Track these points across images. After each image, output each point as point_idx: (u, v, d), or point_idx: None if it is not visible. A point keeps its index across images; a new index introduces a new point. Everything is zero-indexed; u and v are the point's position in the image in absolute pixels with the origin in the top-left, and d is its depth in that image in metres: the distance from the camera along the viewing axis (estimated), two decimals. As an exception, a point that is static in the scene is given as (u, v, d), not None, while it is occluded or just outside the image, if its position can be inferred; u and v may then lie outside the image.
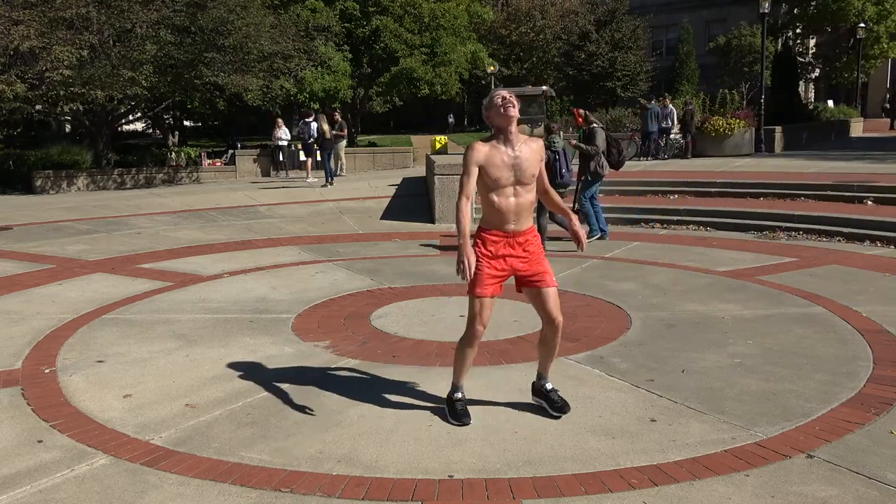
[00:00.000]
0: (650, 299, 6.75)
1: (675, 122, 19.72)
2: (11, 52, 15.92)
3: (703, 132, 19.13)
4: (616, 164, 10.02)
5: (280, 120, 21.83)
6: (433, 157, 15.68)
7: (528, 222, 4.01)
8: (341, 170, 20.19)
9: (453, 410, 4.12)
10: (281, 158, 21.54)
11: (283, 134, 21.49)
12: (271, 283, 7.72)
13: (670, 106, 20.00)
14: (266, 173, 21.66)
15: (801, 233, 10.10)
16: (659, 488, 3.32)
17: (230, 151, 23.15)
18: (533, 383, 4.38)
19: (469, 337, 4.00)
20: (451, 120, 20.12)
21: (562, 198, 9.39)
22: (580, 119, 9.99)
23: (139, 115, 25.03)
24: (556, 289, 4.14)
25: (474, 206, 4.05)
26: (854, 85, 37.10)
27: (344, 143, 20.64)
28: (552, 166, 8.96)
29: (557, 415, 4.13)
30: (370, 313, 6.42)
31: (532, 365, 4.97)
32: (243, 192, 16.40)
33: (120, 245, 10.21)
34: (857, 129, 30.76)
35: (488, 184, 3.87)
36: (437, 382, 4.69)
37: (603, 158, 9.71)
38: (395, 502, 3.27)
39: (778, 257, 8.61)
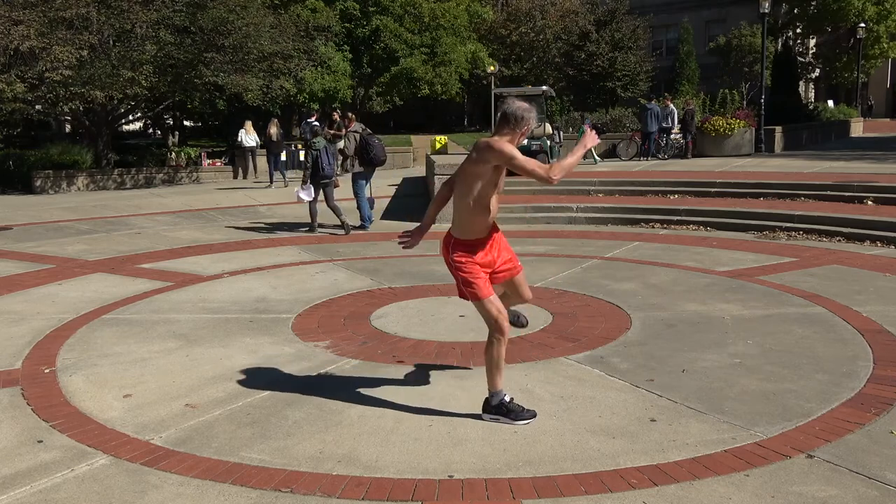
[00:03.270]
0: (650, 299, 6.75)
1: (676, 121, 19.71)
2: (11, 52, 15.92)
3: (703, 132, 19.12)
4: (368, 162, 11.51)
5: (249, 123, 20.44)
6: (433, 157, 15.69)
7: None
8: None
9: (514, 411, 4.10)
10: (249, 164, 20.97)
11: (251, 137, 20.76)
12: (271, 283, 7.73)
13: (671, 106, 19.99)
14: (245, 175, 21.26)
15: (801, 233, 10.10)
16: (659, 488, 3.32)
17: (230, 151, 23.12)
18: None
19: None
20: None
21: (324, 189, 10.99)
22: (351, 122, 11.99)
23: (139, 115, 25.01)
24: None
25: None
26: (854, 85, 37.08)
27: (342, 143, 20.59)
28: (315, 162, 10.90)
29: (525, 324, 4.66)
30: (370, 313, 6.42)
31: (531, 365, 4.99)
32: (243, 192, 16.40)
33: (120, 245, 10.21)
34: (858, 129, 30.76)
35: (494, 185, 3.94)
36: (437, 382, 4.69)
37: (354, 158, 11.56)
38: (395, 502, 3.27)
39: (778, 257, 8.62)
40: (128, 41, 18.02)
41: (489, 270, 4.06)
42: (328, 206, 11.13)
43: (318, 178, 11.00)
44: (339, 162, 11.78)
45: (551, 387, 4.56)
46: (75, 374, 4.97)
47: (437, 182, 12.17)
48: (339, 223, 11.12)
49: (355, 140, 11.53)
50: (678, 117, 19.79)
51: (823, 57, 39.55)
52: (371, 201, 11.92)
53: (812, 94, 44.28)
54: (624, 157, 19.60)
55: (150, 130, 35.55)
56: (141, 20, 17.14)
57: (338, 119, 20.54)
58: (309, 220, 11.42)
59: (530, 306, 6.51)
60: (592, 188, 13.75)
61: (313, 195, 11.12)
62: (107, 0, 17.06)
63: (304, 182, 11.19)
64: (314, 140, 11.12)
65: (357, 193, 11.62)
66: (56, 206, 14.42)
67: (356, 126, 11.89)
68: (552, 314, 6.25)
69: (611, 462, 3.58)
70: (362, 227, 11.53)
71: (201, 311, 6.64)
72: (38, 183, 18.54)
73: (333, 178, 11.13)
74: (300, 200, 11.25)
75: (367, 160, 11.42)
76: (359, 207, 11.67)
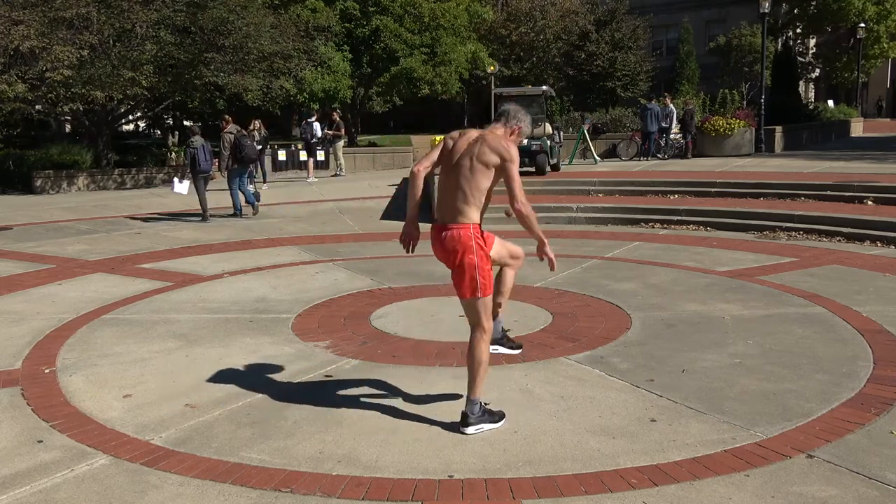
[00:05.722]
0: (650, 299, 6.75)
1: (675, 121, 19.70)
2: (12, 52, 15.91)
3: (703, 132, 19.12)
4: (240, 161, 12.72)
5: (257, 122, 20.84)
6: (433, 157, 15.65)
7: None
8: (341, 170, 20.18)
9: (494, 412, 4.06)
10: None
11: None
12: (271, 283, 7.72)
13: (671, 105, 19.98)
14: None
15: (801, 233, 10.10)
16: (659, 488, 3.32)
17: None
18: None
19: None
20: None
21: (204, 183, 12.26)
22: (227, 125, 13.45)
23: (139, 114, 25.00)
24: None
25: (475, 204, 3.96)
26: (854, 85, 37.07)
27: (342, 142, 20.62)
28: (193, 159, 12.30)
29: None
30: (370, 313, 6.42)
31: (531, 365, 4.98)
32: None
33: (120, 245, 10.21)
34: (858, 129, 30.74)
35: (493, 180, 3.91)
36: (436, 382, 4.69)
37: (228, 157, 12.87)
38: (395, 502, 3.27)
39: (778, 257, 8.62)
40: (128, 41, 18.00)
41: None
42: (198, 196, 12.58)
43: (196, 172, 12.44)
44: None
45: (551, 387, 4.56)
46: (75, 374, 4.97)
47: (437, 182, 12.13)
48: (201, 211, 12.53)
49: (229, 141, 12.89)
50: (678, 117, 19.78)
51: (823, 57, 39.54)
52: (257, 195, 13.38)
53: (812, 94, 44.26)
54: (624, 157, 19.60)
55: (148, 131, 35.51)
56: (141, 20, 17.11)
57: (337, 119, 20.58)
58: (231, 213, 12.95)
59: (531, 306, 6.53)
60: (592, 188, 13.75)
61: (187, 189, 12.63)
62: (107, 0, 17.05)
63: (182, 176, 13.03)
64: (192, 139, 12.51)
65: (230, 187, 12.93)
66: (56, 206, 14.41)
67: (231, 128, 13.28)
68: (552, 314, 6.25)
69: (611, 462, 3.58)
70: (235, 215, 12.89)
71: (201, 311, 6.64)
72: (38, 183, 18.53)
73: (210, 173, 12.61)
74: (177, 191, 13.05)
75: (239, 158, 12.72)
76: (232, 197, 13.00)
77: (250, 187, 13.35)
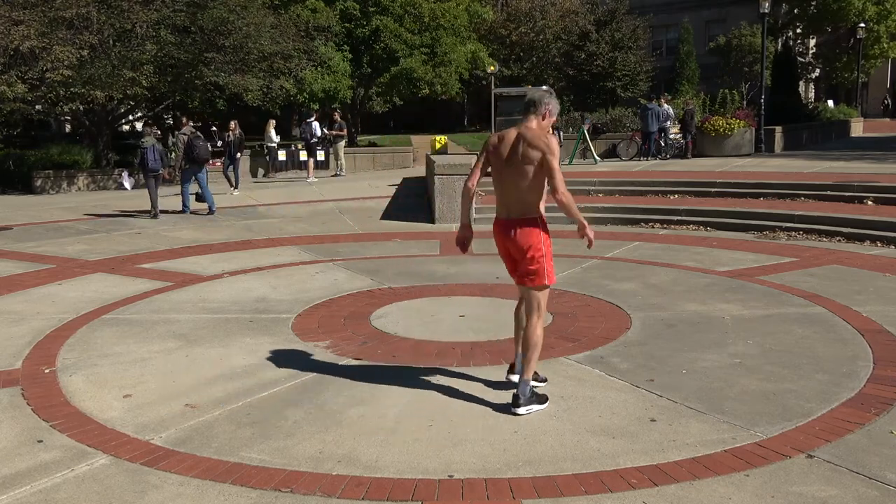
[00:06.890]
0: (650, 299, 6.75)
1: (670, 120, 19.67)
2: (12, 52, 15.92)
3: (703, 132, 19.10)
4: (192, 160, 13.13)
5: (272, 122, 21.12)
6: (433, 157, 15.67)
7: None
8: (341, 170, 20.19)
9: (539, 396, 4.29)
10: (272, 160, 21.17)
11: (274, 136, 21.07)
12: (271, 283, 7.72)
13: (665, 105, 19.96)
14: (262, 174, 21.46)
15: (801, 233, 10.10)
16: (659, 488, 3.32)
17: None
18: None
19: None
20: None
21: (154, 182, 12.64)
22: (184, 125, 14.22)
23: (139, 114, 25.04)
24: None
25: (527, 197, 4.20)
26: (854, 85, 37.06)
27: (343, 142, 20.64)
28: (142, 159, 12.77)
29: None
30: (370, 313, 6.42)
31: (532, 365, 4.98)
32: (243, 191, 16.38)
33: (120, 245, 10.21)
34: (858, 129, 30.72)
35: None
36: (437, 383, 4.69)
37: (181, 157, 13.40)
38: (395, 502, 3.27)
39: (778, 257, 8.62)
40: (128, 41, 18.01)
41: None
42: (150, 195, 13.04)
43: (146, 171, 12.88)
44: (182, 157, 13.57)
45: (551, 387, 4.56)
46: (75, 374, 4.97)
47: (437, 182, 12.15)
48: (150, 209, 12.96)
49: (183, 142, 13.34)
50: (676, 116, 19.76)
51: (823, 57, 39.54)
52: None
53: (812, 94, 44.25)
54: (624, 157, 19.59)
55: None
56: (141, 20, 17.12)
57: (339, 119, 20.60)
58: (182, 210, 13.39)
59: (530, 306, 6.53)
60: (592, 188, 13.75)
61: (131, 185, 12.91)
62: (107, 0, 17.06)
63: (130, 173, 13.57)
64: (143, 140, 13.00)
65: (182, 186, 13.48)
66: (56, 206, 14.42)
67: (186, 129, 13.74)
68: (552, 314, 6.25)
69: (611, 462, 3.58)
70: (183, 212, 13.31)
71: (201, 311, 6.64)
72: (38, 183, 18.53)
73: (160, 172, 12.99)
74: (122, 187, 13.47)
75: (192, 158, 13.15)
76: (182, 195, 13.47)
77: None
